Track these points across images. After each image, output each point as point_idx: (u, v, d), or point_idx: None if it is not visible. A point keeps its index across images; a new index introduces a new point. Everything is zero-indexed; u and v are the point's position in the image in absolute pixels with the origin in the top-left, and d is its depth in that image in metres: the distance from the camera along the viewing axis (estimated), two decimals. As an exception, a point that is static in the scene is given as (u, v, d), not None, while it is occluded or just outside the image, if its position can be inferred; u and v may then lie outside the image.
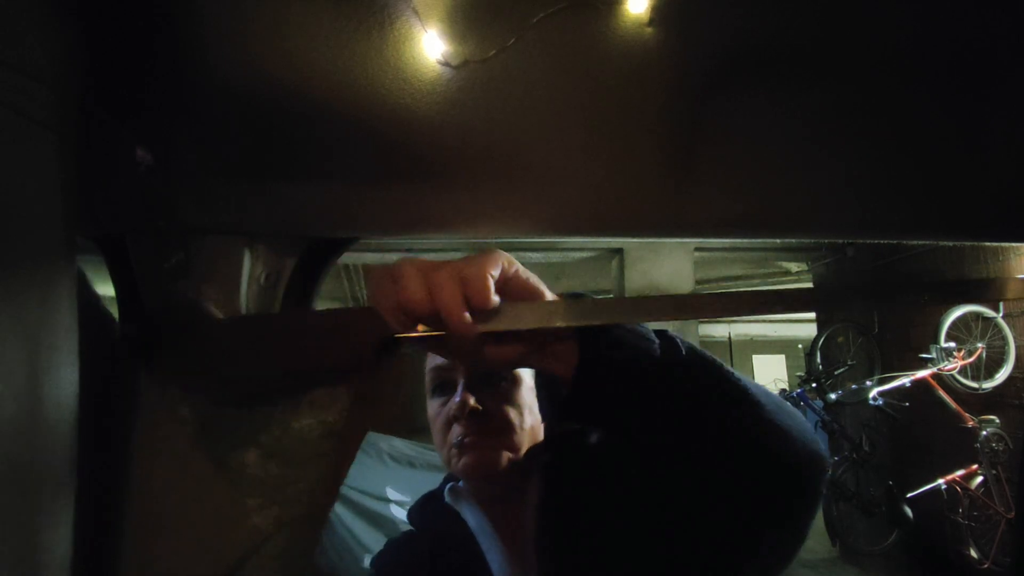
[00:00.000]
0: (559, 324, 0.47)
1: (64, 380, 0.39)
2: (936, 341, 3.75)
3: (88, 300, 0.44)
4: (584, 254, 4.53)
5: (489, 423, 0.70)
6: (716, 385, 0.52)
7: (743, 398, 0.51)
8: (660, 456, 0.53)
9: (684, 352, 0.52)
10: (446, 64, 0.54)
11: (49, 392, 0.38)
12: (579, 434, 0.73)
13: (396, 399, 0.47)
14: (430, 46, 0.54)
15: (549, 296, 0.49)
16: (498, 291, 0.46)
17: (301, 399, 0.45)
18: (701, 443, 0.51)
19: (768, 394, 0.54)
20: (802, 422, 0.54)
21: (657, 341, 0.52)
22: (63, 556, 0.38)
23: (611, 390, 0.49)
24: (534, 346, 0.49)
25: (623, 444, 0.59)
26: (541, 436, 0.75)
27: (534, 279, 0.49)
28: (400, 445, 2.69)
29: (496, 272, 0.45)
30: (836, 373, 4.27)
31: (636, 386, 0.49)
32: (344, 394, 0.45)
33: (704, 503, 0.53)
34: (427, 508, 0.79)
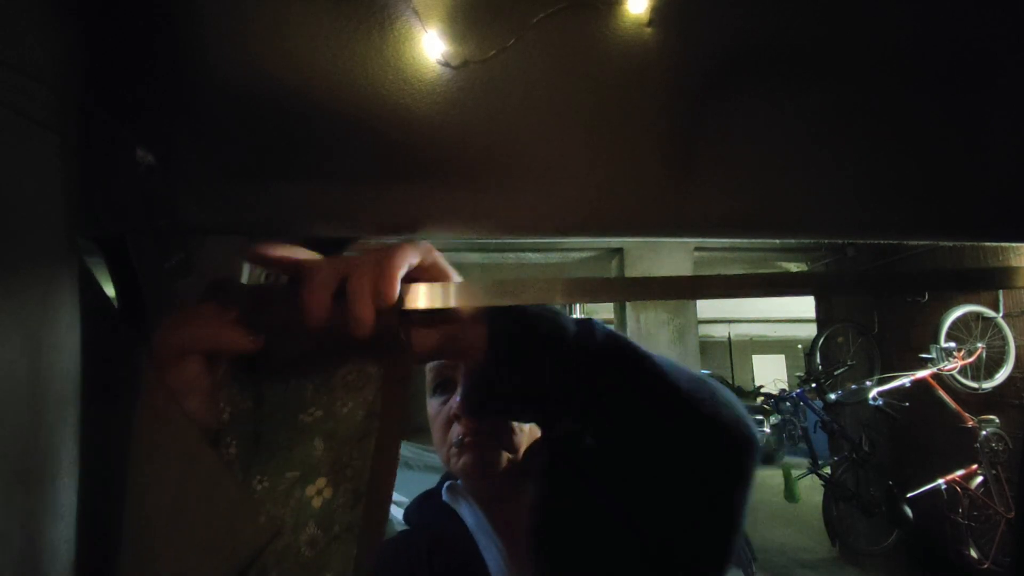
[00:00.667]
0: (476, 303, 0.47)
1: (66, 379, 0.39)
2: (936, 341, 3.75)
3: (94, 298, 0.44)
4: (584, 254, 4.53)
5: (489, 423, 0.70)
6: (631, 368, 0.52)
7: (660, 381, 0.52)
8: (608, 449, 0.54)
9: (599, 337, 0.52)
10: (446, 64, 0.54)
11: (51, 392, 0.38)
12: (576, 435, 0.73)
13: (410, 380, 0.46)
14: (430, 46, 0.54)
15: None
16: (415, 277, 0.45)
17: (333, 380, 0.44)
18: (622, 431, 0.52)
19: (692, 377, 0.54)
20: (729, 402, 0.55)
21: (574, 328, 0.52)
22: (67, 557, 0.38)
23: (517, 374, 0.49)
24: (448, 335, 0.49)
25: (605, 442, 0.59)
26: (539, 435, 0.75)
27: (449, 268, 0.48)
28: None
29: (414, 261, 0.45)
30: (836, 373, 4.27)
31: (546, 370, 0.50)
32: (374, 372, 0.45)
33: (646, 492, 0.54)
34: (424, 507, 0.79)
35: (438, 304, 0.45)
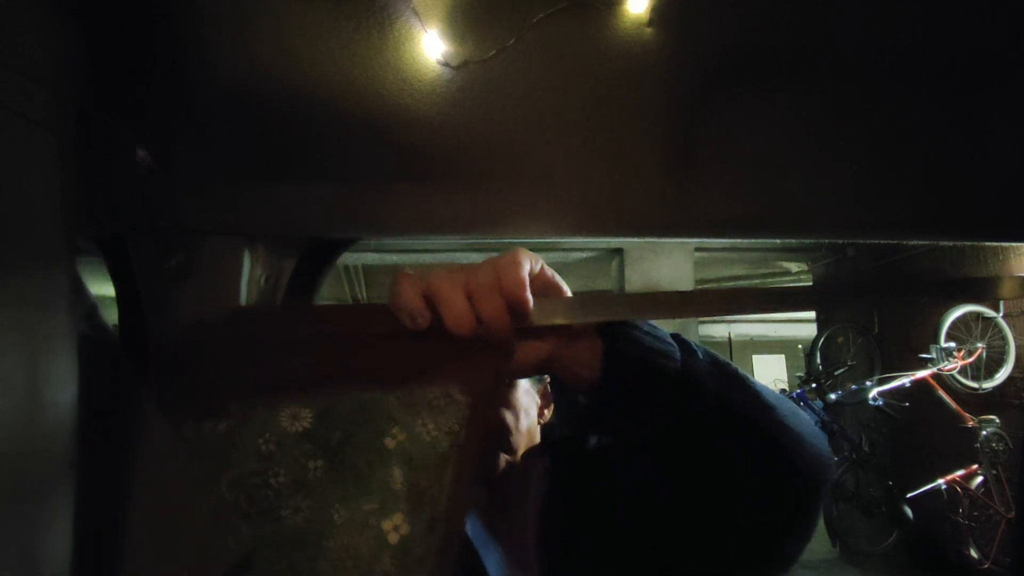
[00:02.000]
0: (591, 319, 0.47)
1: (63, 383, 0.39)
2: (936, 341, 3.75)
3: (85, 308, 0.44)
4: (584, 254, 4.53)
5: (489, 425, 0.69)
6: (733, 390, 0.51)
7: (758, 402, 0.51)
8: (670, 461, 0.52)
9: (701, 356, 0.52)
10: (446, 64, 0.54)
11: (48, 395, 0.37)
12: (576, 437, 0.73)
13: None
14: (430, 46, 0.54)
15: (568, 294, 0.49)
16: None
17: (416, 399, 0.43)
18: (716, 448, 0.50)
19: (778, 397, 0.54)
20: (810, 423, 0.54)
21: (676, 346, 0.51)
22: (62, 562, 0.37)
23: (636, 396, 0.49)
24: (557, 351, 0.48)
25: (629, 448, 0.58)
26: (538, 438, 0.75)
27: (557, 276, 0.48)
28: None
29: (527, 272, 0.45)
30: (836, 373, 4.27)
31: (659, 392, 0.49)
32: (460, 399, 0.44)
33: (712, 506, 0.53)
34: None
35: (558, 319, 0.45)
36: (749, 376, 0.53)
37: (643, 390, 0.49)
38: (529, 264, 0.45)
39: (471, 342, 0.43)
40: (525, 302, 0.43)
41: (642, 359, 0.49)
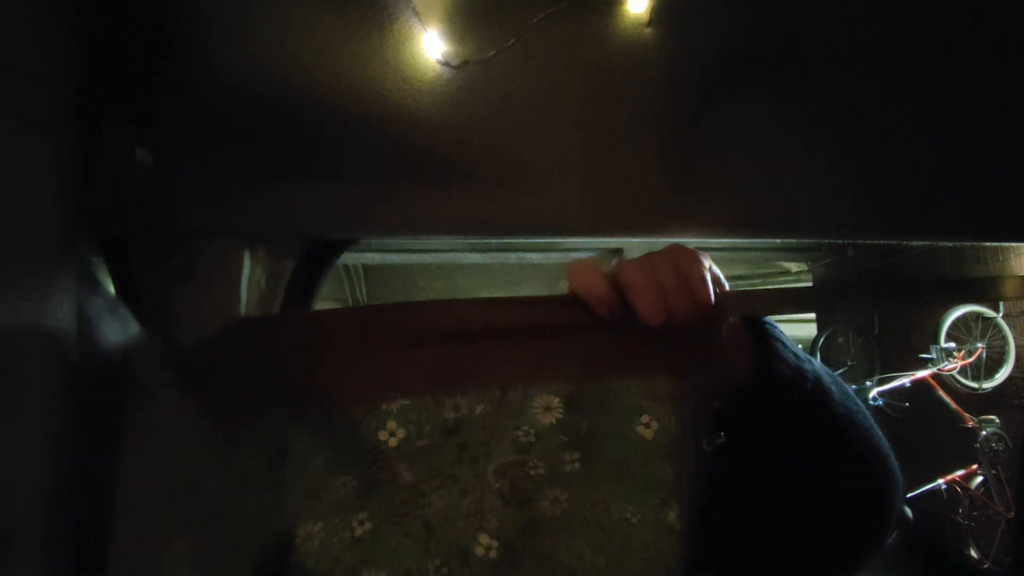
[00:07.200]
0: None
1: (63, 383, 0.39)
2: (936, 341, 3.75)
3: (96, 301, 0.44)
4: (584, 254, 4.53)
5: None
6: (848, 408, 0.52)
7: (864, 421, 0.53)
8: (776, 469, 0.51)
9: (823, 376, 0.52)
10: (446, 64, 0.54)
11: (47, 395, 0.37)
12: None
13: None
14: (430, 46, 0.54)
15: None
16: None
17: (662, 392, 0.44)
18: (818, 462, 0.51)
19: (867, 413, 0.55)
20: (887, 445, 0.55)
21: (808, 360, 0.52)
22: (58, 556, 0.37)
23: (777, 405, 0.49)
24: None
25: (741, 452, 0.58)
26: None
27: (721, 275, 0.49)
28: None
29: (707, 270, 0.46)
30: (836, 374, 4.26)
31: (793, 407, 0.49)
32: (689, 387, 0.44)
33: (794, 522, 0.51)
34: None
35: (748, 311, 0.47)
36: (849, 389, 0.54)
37: (782, 402, 0.49)
38: (707, 262, 0.46)
39: (675, 335, 0.44)
40: (709, 297, 0.44)
41: (788, 373, 0.49)
